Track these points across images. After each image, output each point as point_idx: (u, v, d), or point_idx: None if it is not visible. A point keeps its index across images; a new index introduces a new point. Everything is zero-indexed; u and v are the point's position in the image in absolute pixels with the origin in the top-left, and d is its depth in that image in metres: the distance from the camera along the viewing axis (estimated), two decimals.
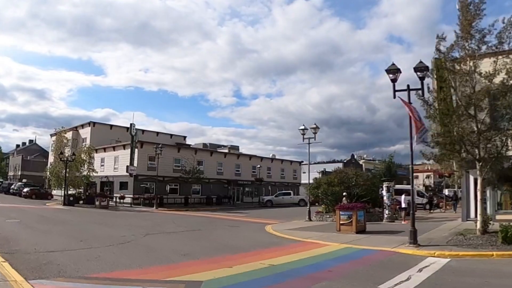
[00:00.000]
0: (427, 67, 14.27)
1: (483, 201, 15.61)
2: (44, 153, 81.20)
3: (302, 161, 70.46)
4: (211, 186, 48.92)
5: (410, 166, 14.14)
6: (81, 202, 39.30)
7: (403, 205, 22.66)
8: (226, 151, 60.12)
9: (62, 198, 38.55)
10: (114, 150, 46.88)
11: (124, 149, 44.63)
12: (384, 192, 23.25)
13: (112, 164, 46.50)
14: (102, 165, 47.64)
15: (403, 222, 21.49)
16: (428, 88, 15.23)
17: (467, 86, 14.88)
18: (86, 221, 22.37)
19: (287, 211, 36.01)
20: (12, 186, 55.98)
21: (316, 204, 29.74)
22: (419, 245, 12.75)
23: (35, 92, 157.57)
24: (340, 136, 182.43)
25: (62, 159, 38.41)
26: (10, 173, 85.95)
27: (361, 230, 16.94)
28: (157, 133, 59.04)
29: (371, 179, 25.18)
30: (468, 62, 14.96)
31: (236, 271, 8.80)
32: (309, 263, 10.21)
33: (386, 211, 22.62)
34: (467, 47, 15.05)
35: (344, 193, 21.99)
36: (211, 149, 57.05)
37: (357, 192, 23.54)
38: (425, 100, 15.38)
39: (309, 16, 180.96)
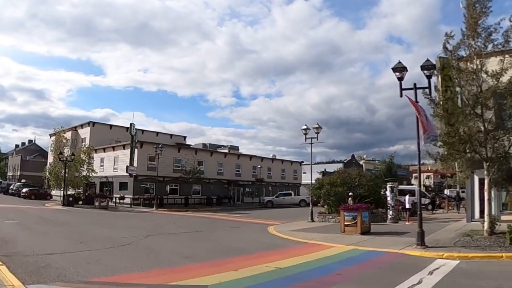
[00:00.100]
0: (434, 65, 14.01)
1: (489, 202, 15.30)
2: (43, 153, 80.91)
3: (303, 161, 70.31)
4: (211, 186, 48.59)
5: (418, 166, 13.93)
6: (80, 202, 38.96)
7: (407, 206, 22.41)
8: (226, 151, 59.85)
9: (61, 198, 38.23)
10: (113, 150, 46.52)
11: (124, 149, 44.28)
12: (387, 193, 22.97)
13: (111, 164, 46.15)
14: (101, 165, 47.29)
15: (407, 223, 21.23)
16: (436, 87, 14.95)
17: (474, 85, 14.63)
18: (86, 222, 22.06)
19: (288, 212, 35.71)
20: (11, 187, 55.64)
21: (319, 204, 29.43)
22: (426, 246, 12.50)
23: (34, 92, 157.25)
24: (339, 137, 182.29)
25: (62, 159, 38.10)
26: (9, 173, 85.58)
27: (365, 231, 16.66)
28: (157, 133, 58.71)
29: (374, 179, 24.88)
30: (474, 60, 14.72)
31: (242, 275, 8.50)
32: (316, 266, 9.90)
33: (390, 212, 22.35)
34: (474, 45, 14.80)
35: (350, 194, 21.69)
36: (211, 149, 56.75)
37: (360, 192, 23.24)
38: (432, 99, 15.14)
39: (309, 16, 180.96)
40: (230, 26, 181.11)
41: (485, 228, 14.74)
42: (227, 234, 17.77)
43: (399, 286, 7.70)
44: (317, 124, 24.82)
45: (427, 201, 32.86)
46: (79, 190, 42.20)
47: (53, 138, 48.82)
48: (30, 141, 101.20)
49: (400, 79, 13.74)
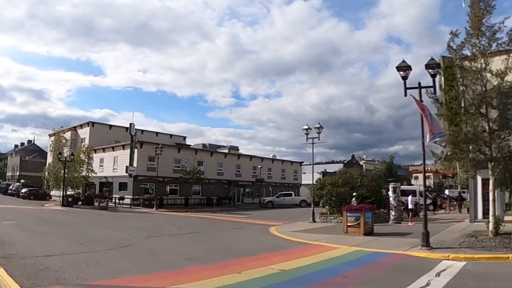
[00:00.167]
0: (439, 64, 13.86)
1: (494, 202, 15.13)
2: (42, 154, 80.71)
3: (303, 162, 70.10)
4: (211, 186, 48.34)
5: (423, 166, 13.71)
6: (80, 203, 38.68)
7: (410, 206, 22.22)
8: (226, 151, 59.64)
9: (61, 199, 37.99)
10: (113, 150, 46.27)
11: (124, 149, 44.03)
12: (390, 193, 22.78)
13: (111, 164, 45.91)
14: (101, 166, 47.04)
15: (409, 224, 21.06)
16: (440, 86, 14.77)
17: (478, 84, 14.46)
18: (85, 223, 21.84)
19: (289, 212, 35.50)
20: (10, 187, 55.38)
21: (320, 205, 29.20)
22: (431, 247, 12.33)
23: (34, 93, 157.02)
24: (338, 137, 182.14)
25: (61, 159, 37.86)
26: (9, 174, 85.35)
27: (368, 232, 16.47)
28: (157, 133, 58.43)
29: (376, 179, 24.67)
30: (479, 59, 14.54)
31: (246, 277, 8.30)
32: (321, 268, 9.69)
33: (393, 212, 22.16)
34: (478, 44, 14.63)
35: (354, 194, 21.49)
36: (211, 149, 56.53)
37: (362, 193, 23.05)
38: (436, 99, 14.97)
39: (308, 17, 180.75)
40: (229, 26, 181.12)
41: (490, 228, 14.57)
42: (228, 235, 17.56)
43: None
44: (319, 124, 24.67)
45: (428, 201, 32.68)
46: (79, 191, 41.94)
47: (52, 138, 48.62)
48: (29, 141, 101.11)
49: (405, 78, 13.56)
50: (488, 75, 14.34)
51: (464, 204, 33.52)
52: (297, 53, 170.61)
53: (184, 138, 63.38)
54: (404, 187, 29.01)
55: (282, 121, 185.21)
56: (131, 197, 40.67)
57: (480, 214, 21.02)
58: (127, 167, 40.60)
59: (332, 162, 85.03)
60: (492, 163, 14.39)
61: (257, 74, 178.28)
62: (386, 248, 12.85)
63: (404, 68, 13.51)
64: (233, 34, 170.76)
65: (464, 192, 41.49)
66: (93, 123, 53.06)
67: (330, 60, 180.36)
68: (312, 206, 24.41)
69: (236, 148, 68.78)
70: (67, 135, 47.45)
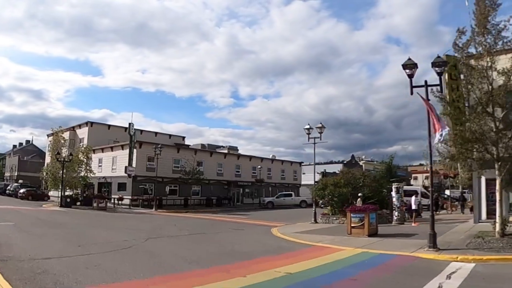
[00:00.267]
0: (446, 62, 13.56)
1: (501, 202, 14.88)
2: (41, 154, 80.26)
3: (302, 162, 69.83)
4: (211, 187, 48.02)
5: (430, 165, 13.43)
6: (78, 203, 38.29)
7: (413, 207, 21.96)
8: (226, 151, 59.33)
9: (59, 199, 37.66)
10: (112, 151, 45.93)
11: (123, 149, 43.70)
12: (393, 193, 22.51)
13: (110, 164, 45.57)
14: (100, 166, 46.69)
15: (413, 224, 20.81)
16: (448, 84, 14.52)
17: (485, 83, 14.21)
18: (84, 224, 21.52)
19: (289, 213, 35.23)
20: (8, 187, 55.12)
21: (322, 206, 28.95)
22: (439, 249, 12.08)
23: (32, 93, 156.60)
24: (337, 137, 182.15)
25: (59, 159, 37.52)
26: (7, 174, 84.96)
27: (373, 233, 16.19)
28: (156, 133, 58.05)
29: (378, 180, 24.38)
30: (485, 58, 14.30)
31: (251, 281, 7.97)
32: (329, 271, 9.39)
33: (396, 213, 21.89)
34: (484, 42, 14.38)
35: (359, 194, 21.20)
36: (211, 149, 56.21)
37: (364, 193, 22.78)
38: (442, 97, 14.73)
39: (307, 17, 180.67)
40: (228, 27, 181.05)
41: (496, 229, 14.35)
42: (230, 237, 17.25)
43: None
44: (321, 123, 24.37)
45: (429, 201, 32.38)
46: (77, 191, 41.57)
47: (50, 138, 48.28)
48: (27, 141, 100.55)
49: (411, 76, 13.26)
50: (494, 73, 14.12)
51: (466, 204, 33.32)
52: (296, 53, 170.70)
53: (183, 138, 63.02)
54: (405, 187, 28.70)
55: (281, 121, 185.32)
56: (130, 197, 40.38)
57: (484, 215, 20.77)
58: (126, 167, 40.25)
59: (331, 162, 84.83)
60: (499, 163, 14.16)
61: (256, 74, 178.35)
62: (392, 249, 12.58)
63: (410, 66, 13.22)
64: (232, 35, 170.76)
65: (465, 192, 41.32)
66: (92, 123, 52.71)
67: (329, 61, 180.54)
68: (313, 206, 24.10)
69: (235, 149, 68.47)
70: (66, 135, 47.08)
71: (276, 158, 64.51)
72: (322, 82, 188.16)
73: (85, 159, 41.20)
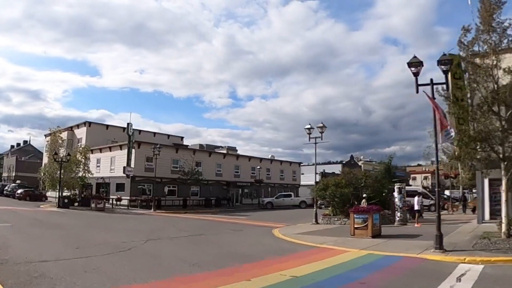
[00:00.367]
0: (452, 60, 13.29)
1: (507, 203, 14.64)
2: (38, 154, 79.89)
3: (302, 162, 69.60)
4: (210, 187, 47.71)
5: (436, 165, 13.11)
6: (76, 204, 37.88)
7: (416, 207, 21.70)
8: (225, 151, 59.03)
9: (57, 200, 37.29)
10: (110, 151, 45.62)
11: (121, 149, 43.39)
12: (395, 194, 22.25)
13: (108, 165, 45.24)
14: (98, 166, 46.37)
15: (416, 225, 20.57)
16: (456, 83, 14.27)
17: (490, 82, 13.98)
18: (82, 225, 21.18)
19: (289, 214, 34.93)
20: (6, 188, 54.67)
21: (323, 206, 28.68)
22: (445, 250, 11.85)
23: (30, 93, 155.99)
24: (335, 138, 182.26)
25: (57, 159, 37.17)
26: (4, 174, 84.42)
27: (376, 234, 15.94)
28: (154, 133, 57.75)
29: (379, 180, 24.10)
30: (491, 56, 14.06)
31: (256, 285, 7.68)
32: (336, 274, 9.10)
33: (398, 214, 21.62)
34: (489, 40, 14.15)
35: (364, 195, 20.93)
36: (209, 150, 55.89)
37: (366, 193, 22.48)
38: (447, 96, 14.49)
39: (305, 18, 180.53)
40: (226, 27, 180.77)
41: (502, 230, 14.15)
42: (231, 238, 16.95)
43: None
44: (322, 123, 24.11)
45: (431, 202, 32.25)
46: (75, 192, 41.19)
47: (48, 138, 47.89)
48: (25, 141, 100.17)
49: (416, 74, 12.96)
50: (500, 72, 13.89)
51: (468, 204, 33.15)
52: (294, 53, 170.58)
53: (182, 138, 62.73)
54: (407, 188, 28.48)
55: (279, 122, 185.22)
56: (128, 198, 40.08)
57: (487, 215, 20.58)
58: (124, 167, 39.90)
59: (329, 162, 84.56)
60: (505, 163, 13.93)
61: (254, 74, 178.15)
62: (397, 251, 12.31)
63: (415, 64, 12.93)
64: (230, 35, 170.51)
65: (465, 192, 41.16)
66: (90, 123, 52.37)
67: (327, 61, 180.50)
68: (314, 207, 23.82)
69: (234, 149, 68.17)
70: (64, 135, 46.75)
71: (275, 158, 64.24)
72: (320, 83, 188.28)
73: (83, 160, 40.82)
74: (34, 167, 61.79)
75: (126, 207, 38.76)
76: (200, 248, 13.46)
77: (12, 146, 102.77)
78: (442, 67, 12.84)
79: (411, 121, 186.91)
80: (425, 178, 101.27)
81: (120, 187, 42.49)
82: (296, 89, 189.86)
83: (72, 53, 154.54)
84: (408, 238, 15.49)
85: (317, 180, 26.28)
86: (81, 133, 51.89)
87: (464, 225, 20.32)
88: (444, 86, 14.31)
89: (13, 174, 76.39)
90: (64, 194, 38.38)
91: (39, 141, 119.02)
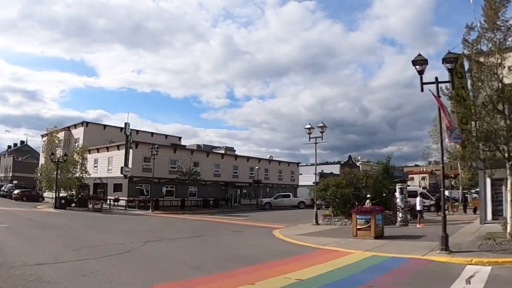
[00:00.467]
0: (457, 58, 13.07)
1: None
2: (35, 155, 79.43)
3: (300, 163, 69.35)
4: (208, 188, 47.40)
5: (441, 165, 12.85)
6: (73, 205, 37.57)
7: (418, 208, 21.47)
8: (223, 152, 58.72)
9: (54, 200, 36.92)
10: (107, 151, 45.21)
11: (118, 149, 43.01)
12: (397, 194, 22.02)
13: (105, 165, 44.85)
14: (95, 166, 45.98)
15: (418, 226, 20.33)
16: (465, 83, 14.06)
17: (495, 80, 13.76)
18: (79, 226, 20.88)
19: (288, 214, 34.64)
20: (3, 188, 54.34)
21: (323, 207, 28.43)
22: (451, 251, 11.63)
23: (27, 93, 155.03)
24: (333, 138, 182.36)
25: (53, 160, 36.78)
26: (1, 175, 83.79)
27: (379, 235, 15.69)
28: (152, 133, 57.34)
29: (380, 180, 23.86)
30: (495, 54, 13.85)
31: None
32: (342, 277, 8.83)
33: (400, 214, 21.38)
34: (494, 39, 13.94)
35: (368, 196, 20.68)
36: (208, 150, 55.54)
37: (366, 193, 22.26)
38: (451, 96, 14.27)
39: (302, 18, 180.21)
40: (224, 27, 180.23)
41: (508, 230, 13.93)
42: (231, 239, 16.67)
43: None
44: (322, 123, 23.89)
45: (431, 202, 32.10)
46: (72, 192, 40.82)
47: (45, 138, 47.48)
48: (22, 142, 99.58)
49: (421, 72, 12.71)
50: (505, 71, 13.69)
51: (469, 205, 32.98)
52: (291, 54, 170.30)
53: (180, 138, 62.32)
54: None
55: (276, 122, 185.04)
56: (126, 198, 39.73)
57: (489, 215, 20.39)
58: (122, 167, 39.55)
59: (327, 163, 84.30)
60: (510, 162, 13.70)
61: (251, 75, 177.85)
62: (402, 252, 12.07)
63: (420, 62, 12.68)
64: (227, 35, 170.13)
65: (466, 193, 41.00)
66: (87, 123, 51.94)
67: (324, 62, 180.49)
68: (315, 208, 23.56)
69: (232, 149, 67.86)
70: (61, 135, 46.33)
71: (273, 158, 63.97)
72: (317, 83, 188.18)
73: (80, 160, 40.45)
74: (31, 168, 61.29)
75: (123, 208, 38.43)
76: (201, 249, 13.18)
77: (9, 147, 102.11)
78: (448, 65, 12.62)
79: (409, 121, 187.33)
80: (423, 178, 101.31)
81: (117, 187, 42.12)
82: (293, 89, 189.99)
83: (70, 53, 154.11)
84: (411, 239, 15.25)
85: (317, 180, 25.99)
86: (78, 133, 51.48)
87: (466, 225, 20.11)
88: (447, 85, 14.14)
89: (10, 175, 75.88)
90: (61, 194, 38.00)
91: (36, 141, 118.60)
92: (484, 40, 14.19)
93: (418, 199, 21.79)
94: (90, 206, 34.42)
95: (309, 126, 24.05)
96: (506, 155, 13.65)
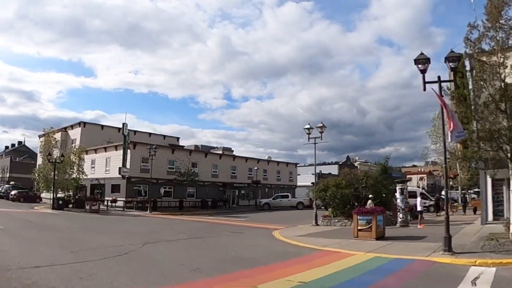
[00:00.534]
0: (460, 57, 12.92)
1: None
2: (32, 155, 79.00)
3: (298, 163, 69.21)
4: (206, 189, 47.19)
5: (444, 165, 12.70)
6: (70, 206, 37.27)
7: (419, 208, 21.33)
8: (221, 152, 58.50)
9: (51, 201, 36.64)
10: (105, 151, 44.95)
11: (116, 150, 42.73)
12: (397, 195, 21.86)
13: (103, 166, 44.57)
14: (92, 167, 45.68)
15: (419, 226, 20.20)
16: (466, 82, 13.93)
17: (497, 80, 13.64)
18: (77, 227, 20.64)
19: (287, 215, 34.44)
20: (0, 189, 53.89)
21: (323, 207, 28.20)
22: (454, 252, 11.47)
23: (24, 94, 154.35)
24: (330, 139, 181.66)
25: (50, 160, 36.53)
26: None
27: (380, 236, 15.54)
28: (150, 134, 57.07)
29: (380, 181, 23.69)
30: (498, 53, 13.72)
31: None
32: (345, 279, 8.64)
33: (400, 215, 21.22)
34: (498, 37, 13.81)
35: (370, 196, 20.51)
36: (206, 150, 55.29)
37: (366, 194, 22.11)
38: (453, 95, 14.15)
39: (300, 19, 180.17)
40: (221, 28, 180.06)
41: (510, 231, 13.77)
42: (231, 241, 16.47)
43: None
44: (321, 123, 23.73)
45: (430, 203, 32.00)
46: (69, 193, 40.54)
47: (42, 139, 47.17)
48: (19, 142, 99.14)
49: (423, 71, 12.56)
50: (507, 70, 13.57)
51: (468, 205, 32.89)
52: (289, 54, 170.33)
53: (178, 139, 62.02)
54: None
55: (274, 123, 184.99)
56: (124, 199, 39.44)
57: (490, 216, 20.30)
58: (120, 168, 39.30)
59: (324, 163, 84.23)
60: None
61: (248, 75, 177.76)
62: (405, 253, 11.91)
63: (422, 61, 12.53)
64: (224, 36, 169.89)
65: (465, 193, 40.93)
66: (85, 123, 51.65)
67: (321, 62, 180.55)
68: (315, 208, 23.39)
69: (230, 150, 67.62)
70: (58, 135, 46.05)
71: (272, 159, 63.78)
72: (314, 84, 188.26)
73: (77, 160, 40.17)
74: (29, 168, 60.95)
75: (121, 209, 38.07)
76: (200, 251, 12.96)
77: (7, 147, 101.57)
78: (450, 64, 12.48)
79: (406, 122, 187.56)
80: (421, 179, 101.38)
81: (115, 188, 41.84)
82: (291, 90, 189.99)
83: (67, 53, 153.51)
84: (413, 240, 15.09)
85: (316, 180, 25.81)
86: (75, 133, 51.20)
87: (467, 226, 19.99)
88: (447, 84, 14.01)
89: (7, 175, 75.48)
90: (59, 195, 37.72)
91: (34, 142, 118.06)
92: (487, 39, 14.09)
93: (419, 199, 21.66)
94: (88, 207, 34.15)
95: (308, 126, 23.90)
96: (509, 155, 13.54)
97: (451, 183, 42.74)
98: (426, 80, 12.67)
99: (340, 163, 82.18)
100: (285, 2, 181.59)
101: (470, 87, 15.81)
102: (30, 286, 7.30)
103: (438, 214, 29.95)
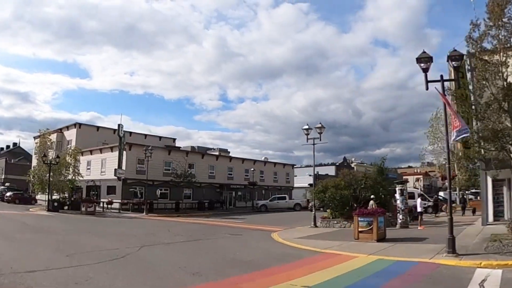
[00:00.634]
0: (463, 55, 12.74)
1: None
2: (28, 157, 78.45)
3: (295, 164, 68.98)
4: (203, 190, 46.87)
5: (447, 166, 12.49)
6: (66, 207, 36.90)
7: (419, 209, 21.13)
8: (217, 153, 58.17)
9: (46, 203, 36.22)
10: (101, 153, 44.59)
11: (112, 151, 42.38)
12: (397, 196, 21.65)
13: (99, 167, 44.19)
14: (88, 169, 45.27)
15: (419, 228, 19.97)
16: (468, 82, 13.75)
17: (499, 79, 13.47)
18: (72, 230, 20.30)
19: (285, 216, 34.13)
20: None
21: (321, 209, 28.00)
22: (457, 254, 11.25)
23: (19, 95, 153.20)
24: (326, 140, 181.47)
25: (45, 162, 36.12)
26: None
27: (381, 238, 15.30)
28: (145, 135, 56.75)
29: (380, 181, 23.47)
30: (500, 52, 13.55)
31: None
32: (350, 282, 8.39)
33: (400, 216, 21.00)
34: (500, 36, 13.64)
35: (372, 196, 20.27)
36: (202, 151, 54.97)
37: (366, 195, 21.90)
38: (454, 95, 13.96)
39: (295, 20, 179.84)
40: (217, 29, 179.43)
41: None
42: (230, 243, 16.19)
43: None
44: (320, 123, 23.49)
45: (428, 203, 31.84)
46: (65, 195, 40.11)
47: (37, 140, 46.74)
48: (15, 144, 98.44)
49: (425, 70, 12.34)
50: (510, 69, 13.41)
51: (468, 206, 32.76)
52: (284, 56, 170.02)
53: (174, 140, 61.65)
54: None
55: (269, 124, 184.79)
56: (119, 201, 39.03)
57: (491, 217, 20.15)
58: (115, 170, 38.96)
59: (321, 164, 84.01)
60: None
61: (244, 77, 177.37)
62: (408, 256, 11.69)
63: (425, 59, 12.32)
64: (220, 37, 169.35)
65: (464, 194, 40.79)
66: (80, 124, 51.28)
67: (317, 63, 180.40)
68: (313, 210, 23.14)
69: (226, 151, 67.31)
70: (53, 137, 45.57)
71: (269, 160, 63.51)
72: (310, 85, 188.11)
73: (72, 162, 39.76)
74: (24, 170, 60.37)
75: (117, 211, 37.68)
76: (199, 254, 12.68)
77: (2, 149, 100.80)
78: (453, 63, 12.28)
79: (401, 123, 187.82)
80: (417, 180, 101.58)
81: (111, 190, 41.48)
82: (286, 91, 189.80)
83: (62, 54, 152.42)
84: (415, 242, 14.86)
85: (314, 182, 25.58)
86: (71, 135, 50.81)
87: (468, 227, 19.78)
88: (448, 84, 13.83)
89: (3, 177, 74.83)
90: (54, 197, 37.33)
91: (29, 143, 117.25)
92: (489, 37, 13.92)
93: (419, 200, 21.46)
94: (83, 209, 33.73)
95: (306, 127, 23.66)
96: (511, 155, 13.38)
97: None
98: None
99: (337, 164, 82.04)
100: (280, 3, 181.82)
101: (470, 87, 15.66)
102: None
103: (437, 215, 29.82)
